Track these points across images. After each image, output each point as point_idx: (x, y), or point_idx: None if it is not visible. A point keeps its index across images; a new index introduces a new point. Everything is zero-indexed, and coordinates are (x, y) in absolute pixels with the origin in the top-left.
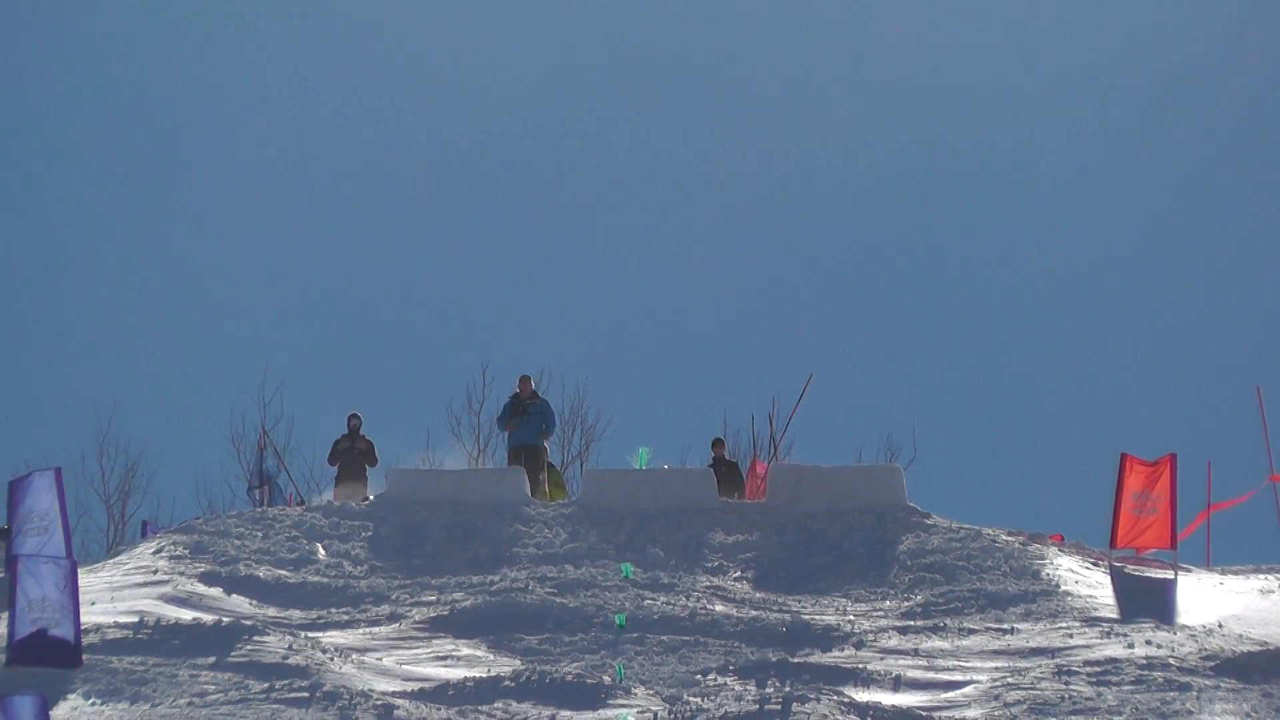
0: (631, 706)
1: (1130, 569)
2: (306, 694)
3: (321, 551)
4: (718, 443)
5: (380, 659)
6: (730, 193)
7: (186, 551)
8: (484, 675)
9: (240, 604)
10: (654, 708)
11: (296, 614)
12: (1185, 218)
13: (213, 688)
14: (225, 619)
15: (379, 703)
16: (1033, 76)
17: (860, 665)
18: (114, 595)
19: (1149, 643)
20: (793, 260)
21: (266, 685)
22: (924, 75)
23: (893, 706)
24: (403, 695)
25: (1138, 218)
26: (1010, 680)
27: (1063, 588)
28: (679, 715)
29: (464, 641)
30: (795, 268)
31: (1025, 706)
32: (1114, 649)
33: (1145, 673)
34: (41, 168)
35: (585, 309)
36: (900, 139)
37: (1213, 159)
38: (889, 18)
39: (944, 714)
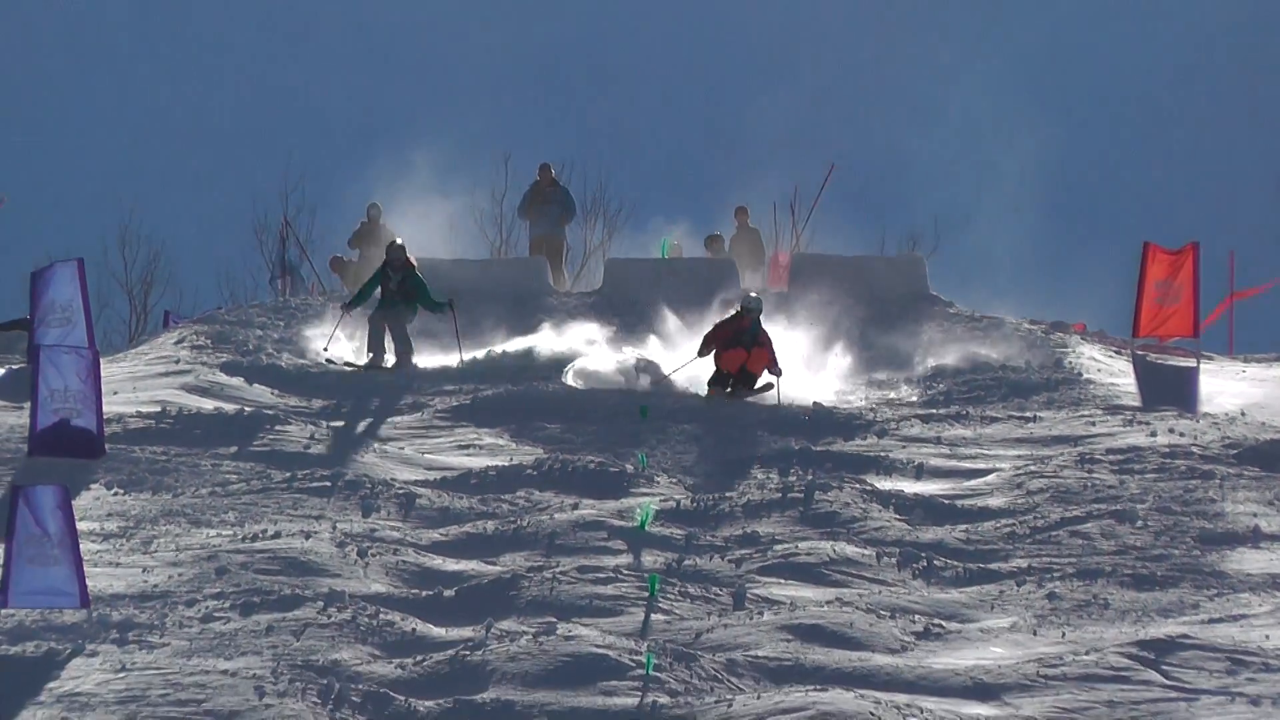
0: (654, 495)
1: (1153, 357)
2: (328, 483)
3: (343, 340)
4: (740, 210)
5: (402, 448)
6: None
7: (208, 341)
8: (506, 464)
9: (262, 393)
10: (676, 496)
11: (318, 403)
12: None
13: (234, 477)
14: (247, 408)
15: (401, 491)
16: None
17: (883, 453)
18: (136, 385)
19: (1171, 431)
20: (818, 44)
21: (288, 474)
22: None
23: (915, 494)
24: (425, 484)
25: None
26: (1033, 468)
27: (1085, 376)
28: (701, 504)
29: (486, 430)
30: (821, 52)
31: (1048, 495)
32: (1136, 437)
33: (1168, 461)
34: None
35: (606, 99)
36: None
37: None
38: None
39: (966, 502)
